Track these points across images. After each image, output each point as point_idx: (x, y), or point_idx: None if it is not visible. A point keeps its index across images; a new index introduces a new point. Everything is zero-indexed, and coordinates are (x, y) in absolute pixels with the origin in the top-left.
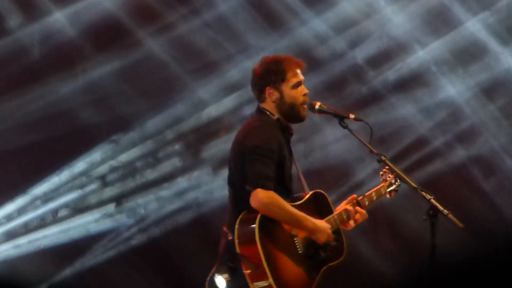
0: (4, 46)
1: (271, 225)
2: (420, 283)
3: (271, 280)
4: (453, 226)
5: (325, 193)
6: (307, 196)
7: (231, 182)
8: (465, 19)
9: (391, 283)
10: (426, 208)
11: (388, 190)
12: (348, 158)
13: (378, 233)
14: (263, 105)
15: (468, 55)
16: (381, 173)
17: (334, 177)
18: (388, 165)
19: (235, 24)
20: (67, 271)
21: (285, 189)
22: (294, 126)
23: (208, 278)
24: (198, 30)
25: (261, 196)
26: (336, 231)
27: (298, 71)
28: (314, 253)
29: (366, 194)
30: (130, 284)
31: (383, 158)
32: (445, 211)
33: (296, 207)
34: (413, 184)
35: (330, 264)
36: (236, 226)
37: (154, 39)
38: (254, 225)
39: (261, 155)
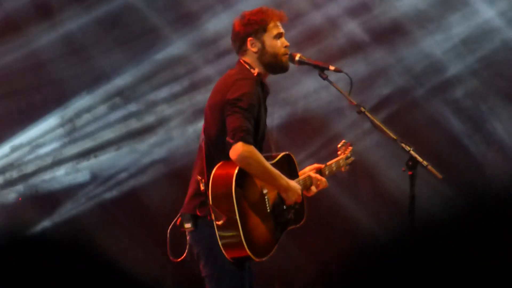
0: None
1: (246, 180)
2: (400, 234)
3: (240, 232)
4: (433, 178)
5: (293, 156)
6: (279, 156)
7: (206, 132)
8: None
9: (372, 236)
10: (405, 159)
11: (347, 162)
12: (328, 110)
13: (358, 186)
14: (244, 58)
15: (448, 5)
16: (338, 145)
17: (314, 129)
18: (367, 116)
19: None
20: (45, 223)
21: (258, 147)
22: (276, 77)
23: (170, 226)
24: None
25: (241, 150)
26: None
27: (279, 23)
28: (280, 213)
29: (327, 163)
30: (107, 234)
31: (362, 109)
32: (424, 162)
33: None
34: (392, 135)
35: (292, 227)
36: (212, 177)
37: None
38: (231, 178)
39: (243, 108)
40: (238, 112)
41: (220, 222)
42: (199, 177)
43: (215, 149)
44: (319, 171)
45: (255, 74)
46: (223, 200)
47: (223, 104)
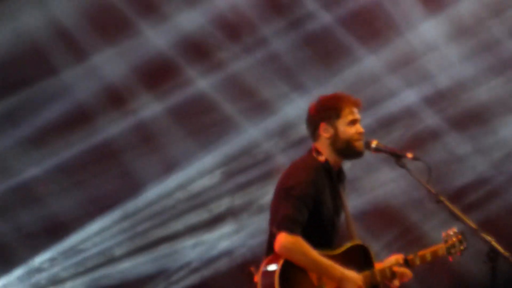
0: (52, 85)
1: (296, 273)
2: None
3: None
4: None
5: (367, 247)
6: (346, 246)
7: (270, 222)
8: None
9: None
10: (485, 251)
11: (449, 252)
12: (405, 199)
13: (434, 276)
14: (316, 144)
15: None
16: (443, 234)
17: (391, 218)
18: (446, 205)
19: (288, 61)
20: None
21: (322, 237)
22: (352, 165)
23: None
24: (250, 67)
25: (284, 241)
26: (376, 287)
27: (355, 109)
28: None
29: (419, 253)
30: None
31: (441, 198)
32: (506, 253)
33: (330, 256)
34: (473, 225)
35: None
36: (260, 270)
37: (204, 77)
38: (275, 271)
39: (293, 197)
40: (288, 200)
41: None
42: (252, 268)
43: (273, 241)
44: (406, 261)
45: (323, 161)
46: None
47: (277, 193)
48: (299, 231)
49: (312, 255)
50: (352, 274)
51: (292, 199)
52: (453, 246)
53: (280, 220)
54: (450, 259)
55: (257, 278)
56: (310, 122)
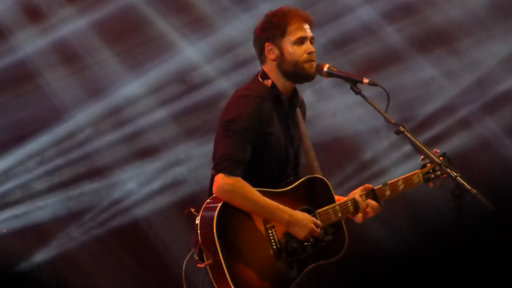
0: None
1: (237, 217)
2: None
3: (228, 277)
4: (481, 208)
5: (325, 180)
6: (298, 182)
7: (212, 157)
8: None
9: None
10: (451, 187)
11: (428, 178)
12: (361, 129)
13: (394, 217)
14: (264, 67)
15: (499, 12)
16: (421, 157)
17: (345, 151)
18: (407, 137)
19: None
20: (36, 257)
21: (273, 171)
22: (300, 92)
23: (185, 260)
24: None
25: (221, 183)
26: (336, 224)
27: (305, 26)
28: (296, 249)
29: (389, 182)
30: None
31: (401, 129)
32: (473, 191)
33: (278, 194)
34: (437, 160)
35: (321, 262)
36: (200, 213)
37: None
38: (212, 217)
39: (233, 132)
40: (227, 136)
41: (209, 263)
42: (193, 209)
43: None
44: (373, 193)
45: (269, 86)
46: (207, 239)
47: (218, 127)
48: (240, 171)
49: (254, 197)
50: (302, 216)
51: (232, 135)
52: (433, 171)
53: (218, 160)
54: (431, 185)
55: (199, 220)
56: (255, 43)
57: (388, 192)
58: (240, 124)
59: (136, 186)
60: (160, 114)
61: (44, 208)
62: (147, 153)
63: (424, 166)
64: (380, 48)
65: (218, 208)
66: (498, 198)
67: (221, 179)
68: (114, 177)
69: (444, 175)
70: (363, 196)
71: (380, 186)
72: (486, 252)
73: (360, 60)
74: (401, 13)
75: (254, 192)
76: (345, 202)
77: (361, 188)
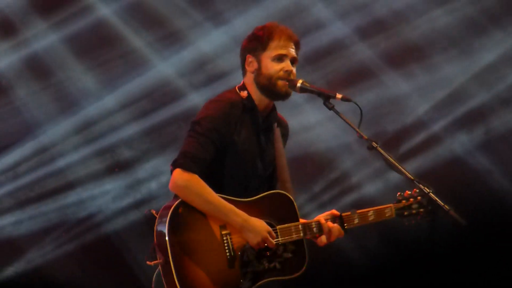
0: None
1: (193, 217)
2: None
3: (175, 278)
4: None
5: (290, 196)
6: (263, 194)
7: None
8: None
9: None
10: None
11: (401, 214)
12: (333, 145)
13: (364, 232)
14: (244, 79)
15: (472, 29)
16: (398, 194)
17: (316, 167)
18: (380, 152)
19: None
20: (8, 271)
21: (238, 181)
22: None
23: (154, 275)
24: None
25: (176, 177)
26: (298, 243)
27: (288, 44)
28: (251, 260)
29: (359, 211)
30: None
31: (374, 144)
32: (446, 207)
33: (239, 202)
34: (409, 175)
35: (277, 278)
36: (160, 211)
37: (106, 3)
38: (166, 215)
39: (197, 131)
40: (192, 135)
41: (160, 262)
42: (154, 211)
43: None
44: (340, 219)
45: (244, 96)
46: (160, 238)
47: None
48: (197, 169)
49: (209, 196)
50: (257, 223)
51: (194, 135)
52: (407, 208)
53: (178, 156)
54: (407, 224)
55: (157, 218)
56: (240, 54)
57: (356, 221)
58: (204, 125)
59: (108, 201)
60: (132, 129)
61: (16, 224)
62: (119, 168)
63: (399, 201)
64: (353, 63)
65: (173, 206)
66: (469, 213)
67: (177, 174)
68: (86, 192)
69: (419, 217)
70: (328, 221)
71: (349, 213)
72: (458, 267)
73: (332, 75)
74: (373, 28)
75: (209, 191)
76: (309, 222)
77: (328, 212)
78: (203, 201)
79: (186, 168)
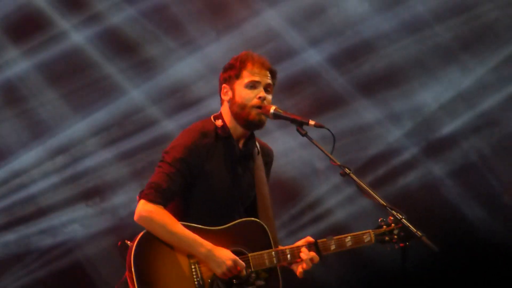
0: None
1: (160, 247)
2: None
3: None
4: (427, 250)
5: (264, 225)
6: (234, 222)
7: None
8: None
9: None
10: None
11: (381, 240)
12: (305, 171)
13: (337, 258)
14: (221, 108)
15: (444, 57)
16: (380, 219)
17: (288, 193)
18: (352, 178)
19: (175, 12)
20: None
21: (211, 212)
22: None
23: None
24: (132, 19)
25: (140, 209)
26: (271, 270)
27: (261, 71)
28: None
29: (336, 237)
30: None
31: (347, 171)
32: (419, 233)
33: (209, 231)
34: (382, 201)
35: None
36: (134, 242)
37: (79, 31)
38: (133, 245)
39: (166, 162)
40: (160, 166)
41: None
42: (127, 241)
43: None
44: (315, 246)
45: (219, 126)
46: (128, 268)
47: None
48: (162, 200)
49: (173, 227)
50: (221, 252)
51: (162, 165)
52: (388, 233)
53: (145, 187)
54: (388, 248)
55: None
56: (218, 84)
57: (333, 247)
58: (173, 154)
59: (80, 227)
60: (105, 155)
61: None
62: (91, 194)
63: (379, 226)
64: (325, 90)
65: (137, 238)
66: (440, 238)
67: (141, 206)
68: (58, 218)
69: (401, 244)
70: (303, 247)
71: (325, 239)
72: None
73: (305, 102)
74: (345, 56)
75: (173, 222)
76: (283, 249)
77: (303, 240)
78: (166, 232)
79: (151, 199)
